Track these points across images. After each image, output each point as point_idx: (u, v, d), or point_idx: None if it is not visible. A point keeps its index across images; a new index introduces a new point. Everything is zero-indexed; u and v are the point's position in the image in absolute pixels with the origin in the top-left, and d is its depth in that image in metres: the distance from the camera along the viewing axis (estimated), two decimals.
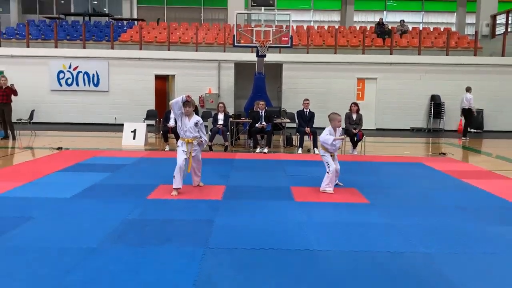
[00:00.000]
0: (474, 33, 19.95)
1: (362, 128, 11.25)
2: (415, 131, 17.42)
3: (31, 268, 3.65)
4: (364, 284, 3.55)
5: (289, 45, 14.29)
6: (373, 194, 6.54)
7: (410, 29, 21.00)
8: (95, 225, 4.83)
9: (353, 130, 10.93)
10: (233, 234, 4.67)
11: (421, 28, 22.02)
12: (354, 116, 11.17)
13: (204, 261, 3.91)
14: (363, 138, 11.08)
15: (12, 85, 11.36)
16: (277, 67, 17.67)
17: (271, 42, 13.70)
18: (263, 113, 11.42)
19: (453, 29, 23.98)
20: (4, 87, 12.14)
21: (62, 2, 27.32)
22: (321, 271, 3.77)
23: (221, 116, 11.51)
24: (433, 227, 5.05)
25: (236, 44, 14.20)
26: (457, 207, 5.98)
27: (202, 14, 26.63)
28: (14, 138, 12.33)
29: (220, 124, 11.35)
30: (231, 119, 12.00)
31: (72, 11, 25.83)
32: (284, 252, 4.19)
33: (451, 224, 5.20)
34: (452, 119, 17.67)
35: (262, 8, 14.57)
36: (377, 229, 4.93)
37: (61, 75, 17.64)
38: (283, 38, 14.60)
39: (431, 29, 21.54)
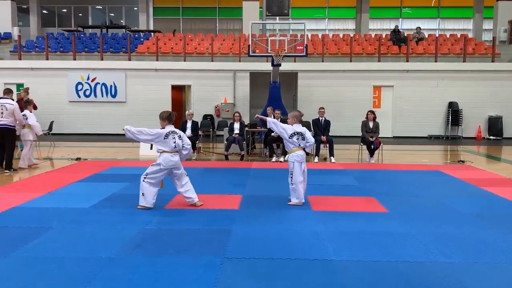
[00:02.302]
0: (491, 39, 19.74)
1: (379, 136, 11.17)
2: (432, 139, 17.22)
3: (52, 279, 3.69)
4: None
5: (304, 53, 14.30)
6: (392, 203, 6.47)
7: (426, 36, 20.86)
8: (114, 235, 4.87)
9: (370, 138, 10.86)
10: (250, 243, 4.67)
11: (437, 35, 21.88)
12: (371, 124, 11.10)
13: (222, 270, 3.91)
14: (380, 146, 10.99)
15: (31, 100, 11.68)
16: (292, 76, 17.67)
17: (286, 51, 13.72)
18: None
19: (470, 35, 23.77)
20: (24, 99, 12.33)
21: (80, 15, 27.86)
22: (340, 282, 3.73)
23: (237, 125, 11.55)
24: (453, 236, 4.97)
25: (251, 53, 14.26)
26: (477, 215, 5.88)
27: (217, 25, 26.86)
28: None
29: (236, 133, 11.38)
30: (246, 128, 12.02)
31: (90, 23, 26.29)
32: (302, 262, 4.16)
33: (470, 232, 5.11)
34: (471, 126, 17.45)
35: (277, 17, 14.64)
36: (396, 239, 4.87)
37: (80, 86, 17.92)
38: (298, 47, 14.63)
39: (448, 36, 21.37)
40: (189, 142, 6.28)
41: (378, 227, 5.30)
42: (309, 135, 6.48)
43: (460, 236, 4.95)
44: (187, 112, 12.05)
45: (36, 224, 5.26)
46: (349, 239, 4.85)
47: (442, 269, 4.01)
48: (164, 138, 6.09)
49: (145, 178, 6.07)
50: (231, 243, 4.64)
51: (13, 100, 9.64)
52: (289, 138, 6.38)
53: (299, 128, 6.44)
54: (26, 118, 9.79)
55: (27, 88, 12.62)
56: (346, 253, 4.40)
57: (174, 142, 6.05)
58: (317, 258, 4.25)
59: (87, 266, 3.95)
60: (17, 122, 9.50)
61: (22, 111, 11.30)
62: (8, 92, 9.73)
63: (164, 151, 6.08)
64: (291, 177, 6.36)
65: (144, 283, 3.63)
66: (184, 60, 18.39)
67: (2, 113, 9.21)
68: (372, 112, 11.29)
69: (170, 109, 17.54)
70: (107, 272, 3.83)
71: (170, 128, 6.17)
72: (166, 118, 6.25)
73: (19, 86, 17.95)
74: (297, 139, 6.37)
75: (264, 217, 5.69)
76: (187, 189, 6.19)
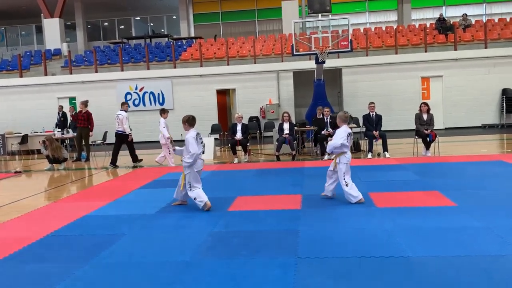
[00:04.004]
0: None
1: (433, 128, 10.86)
2: (487, 128, 16.59)
3: (136, 283, 3.80)
4: None
5: (349, 49, 14.11)
6: (458, 196, 6.27)
7: (473, 22, 20.12)
8: (184, 238, 4.97)
9: (425, 131, 10.58)
10: (320, 242, 4.64)
11: (484, 21, 21.07)
12: (425, 116, 10.81)
13: (298, 271, 3.90)
14: (436, 138, 10.68)
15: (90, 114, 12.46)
16: (336, 72, 17.51)
17: (330, 47, 13.59)
18: (328, 119, 11.33)
19: None
20: (83, 112, 12.85)
21: (122, 27, 28.68)
22: (421, 278, 3.64)
23: (286, 126, 11.53)
24: None
25: (295, 53, 14.22)
26: None
27: (257, 27, 26.97)
28: (88, 159, 12.98)
29: (286, 134, 11.37)
30: (296, 128, 11.99)
31: (133, 34, 27.02)
32: (378, 259, 4.09)
33: None
34: None
35: (319, 15, 14.51)
36: (471, 232, 4.71)
37: (128, 96, 18.44)
38: (342, 43, 14.44)
39: (496, 21, 20.53)
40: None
41: (450, 222, 5.14)
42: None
43: None
44: (236, 115, 12.16)
45: (108, 231, 5.44)
46: (421, 234, 4.73)
47: None
48: (196, 142, 6.15)
49: (190, 188, 6.19)
50: (301, 243, 4.63)
51: (125, 111, 11.63)
52: (347, 143, 6.26)
53: (348, 129, 6.36)
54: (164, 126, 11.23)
55: (86, 101, 13.13)
56: (422, 249, 4.30)
57: (202, 143, 6.24)
58: (393, 255, 4.17)
59: (166, 270, 4.05)
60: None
61: (81, 123, 11.89)
62: (122, 104, 11.96)
63: (198, 154, 6.16)
64: (345, 179, 6.23)
65: (224, 285, 3.67)
66: (227, 64, 18.57)
67: (117, 122, 11.48)
68: (426, 104, 10.99)
69: (216, 113, 17.82)
70: (186, 276, 3.91)
71: (195, 131, 6.24)
72: (185, 121, 6.32)
73: (72, 99, 18.72)
74: (348, 141, 6.28)
75: (328, 216, 5.65)
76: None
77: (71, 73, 19.28)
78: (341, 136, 6.29)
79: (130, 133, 11.71)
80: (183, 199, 6.55)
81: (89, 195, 7.92)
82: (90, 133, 12.83)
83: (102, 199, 7.34)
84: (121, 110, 11.72)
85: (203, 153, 6.34)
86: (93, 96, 18.13)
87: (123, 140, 11.61)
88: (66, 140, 15.83)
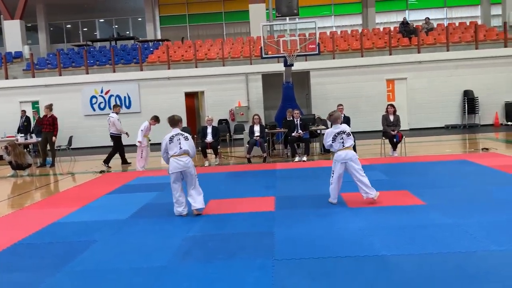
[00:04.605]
0: (500, 25, 19.58)
1: (400, 129, 11.11)
2: (450, 129, 17.10)
3: None
4: (447, 286, 3.47)
5: (317, 52, 14.26)
6: (427, 195, 6.43)
7: (435, 26, 20.74)
8: (159, 243, 4.90)
9: (392, 131, 10.81)
10: (296, 244, 4.66)
11: (446, 24, 21.74)
12: (392, 118, 11.05)
13: (275, 272, 3.91)
14: (403, 139, 10.93)
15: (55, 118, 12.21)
16: (304, 75, 17.64)
17: (298, 50, 13.71)
18: (298, 121, 11.42)
19: (479, 22, 23.57)
20: (48, 116, 12.49)
21: (86, 29, 28.08)
22: (397, 276, 3.72)
23: (257, 128, 11.55)
24: (499, 224, 4.94)
25: (264, 55, 14.26)
26: None
27: (224, 30, 26.94)
28: (53, 165, 12.62)
29: (257, 136, 11.39)
30: (267, 130, 12.02)
31: (98, 37, 26.49)
32: (354, 259, 4.15)
33: None
34: (487, 113, 17.30)
35: (287, 18, 14.63)
36: (442, 230, 4.84)
37: (94, 100, 18.06)
38: (309, 46, 14.58)
39: (457, 24, 21.22)
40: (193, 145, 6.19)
41: (421, 220, 5.27)
42: (349, 129, 6.36)
43: (506, 224, 4.91)
44: (206, 117, 12.10)
45: (79, 238, 5.30)
46: (394, 233, 4.84)
47: (497, 257, 3.99)
48: (170, 143, 6.05)
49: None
50: (277, 245, 4.64)
51: (116, 114, 12.09)
52: (332, 142, 6.25)
53: (336, 129, 6.30)
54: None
55: (51, 105, 12.78)
56: (395, 247, 4.39)
57: (179, 144, 5.99)
58: (368, 255, 4.24)
59: (142, 276, 3.97)
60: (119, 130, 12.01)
61: (46, 127, 11.59)
62: (114, 106, 12.57)
63: (172, 155, 6.03)
64: (332, 177, 6.28)
65: None
66: (196, 67, 18.45)
67: (109, 124, 12.03)
68: (392, 105, 11.24)
69: (185, 117, 17.62)
70: (163, 281, 3.85)
71: (174, 131, 6.12)
72: (168, 121, 6.23)
73: (34, 103, 18.17)
74: (341, 138, 6.19)
75: (302, 217, 5.69)
76: (191, 194, 6.06)
77: (33, 77, 18.71)
78: (328, 136, 6.31)
79: (127, 132, 12.24)
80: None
81: (57, 202, 7.70)
82: (54, 138, 12.49)
83: (71, 205, 7.14)
84: (112, 112, 12.28)
85: (187, 153, 6.00)
86: (57, 100, 17.57)
87: (118, 141, 12.11)
88: (29, 146, 15.34)
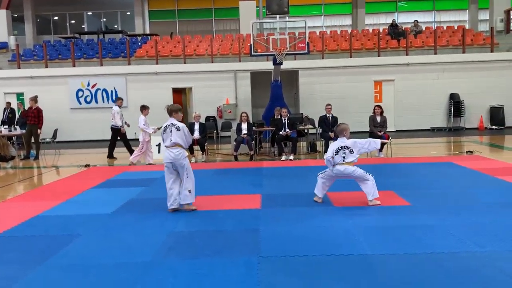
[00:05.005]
0: (487, 29, 19.83)
1: (387, 130, 11.20)
2: (435, 131, 17.28)
3: (94, 285, 3.68)
4: (430, 286, 3.50)
5: (306, 51, 14.30)
6: (412, 196, 6.49)
7: (424, 29, 20.92)
8: (144, 239, 4.86)
9: (378, 132, 10.88)
10: (281, 242, 4.67)
11: (434, 28, 21.95)
12: (379, 119, 11.13)
13: (261, 270, 3.91)
14: (389, 140, 11.01)
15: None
16: (293, 74, 17.69)
17: (288, 49, 13.71)
18: (286, 120, 11.43)
19: (466, 26, 23.85)
20: (33, 108, 12.33)
21: (74, 22, 27.75)
22: (381, 275, 3.74)
23: (244, 126, 11.53)
24: (482, 225, 5.00)
25: (253, 53, 14.24)
26: (500, 204, 5.92)
27: (213, 26, 26.85)
28: (37, 158, 12.45)
29: (245, 134, 11.37)
30: (254, 128, 12.01)
31: (85, 29, 26.20)
32: (338, 258, 4.16)
33: (499, 222, 5.13)
34: (473, 117, 17.54)
35: (277, 16, 14.63)
36: (426, 231, 4.88)
37: (80, 93, 17.87)
38: (299, 45, 14.61)
39: (445, 28, 21.45)
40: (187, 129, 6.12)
41: (405, 220, 5.31)
42: (359, 144, 6.19)
43: (489, 226, 4.97)
44: (194, 114, 12.05)
45: (62, 231, 5.23)
46: (379, 233, 4.87)
47: (479, 258, 4.03)
48: (163, 133, 6.03)
49: None
50: (263, 242, 4.63)
51: (118, 106, 12.20)
52: (335, 154, 6.07)
53: (339, 142, 6.16)
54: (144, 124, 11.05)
55: (36, 97, 12.62)
56: (380, 247, 4.41)
57: (171, 135, 5.91)
58: (352, 253, 4.26)
59: (126, 271, 3.94)
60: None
61: (31, 120, 11.44)
62: (117, 99, 12.79)
63: (165, 146, 6.01)
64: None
65: (188, 285, 3.62)
66: (184, 63, 18.36)
67: (111, 116, 12.12)
68: (379, 106, 11.33)
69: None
70: (148, 277, 3.82)
71: (169, 121, 6.05)
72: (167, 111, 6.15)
73: (19, 95, 17.91)
74: (343, 153, 6.03)
75: (288, 215, 5.69)
76: (185, 188, 5.92)
77: (19, 68, 18.45)
78: (329, 151, 6.15)
79: (122, 127, 12.12)
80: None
81: (40, 195, 7.60)
82: (39, 130, 12.33)
83: (54, 198, 7.05)
84: (115, 105, 12.34)
85: (178, 145, 5.92)
86: (43, 92, 17.36)
87: (116, 133, 12.13)
88: (13, 138, 15.13)
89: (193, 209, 6.01)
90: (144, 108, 11.18)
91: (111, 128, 12.21)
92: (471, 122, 17.55)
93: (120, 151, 12.43)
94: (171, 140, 5.92)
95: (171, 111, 6.10)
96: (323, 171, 6.35)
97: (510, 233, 4.69)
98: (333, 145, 6.23)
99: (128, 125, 12.45)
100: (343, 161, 6.06)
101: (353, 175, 6.09)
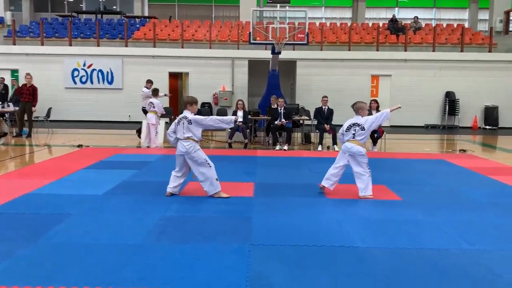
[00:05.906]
0: (486, 29, 19.83)
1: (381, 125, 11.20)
2: (429, 128, 17.34)
3: (84, 265, 3.66)
4: (418, 282, 3.53)
5: (305, 42, 14.24)
6: (404, 191, 6.52)
7: (423, 25, 20.88)
8: (135, 221, 4.85)
9: None
10: (273, 230, 4.67)
11: (434, 25, 21.92)
12: (374, 113, 11.09)
13: (251, 257, 3.91)
14: (383, 135, 11.04)
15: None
16: (290, 64, 17.63)
17: (287, 39, 13.64)
18: (282, 110, 11.40)
19: (466, 25, 23.85)
20: (28, 85, 12.20)
21: (71, 0, 27.37)
22: (371, 268, 3.76)
23: (240, 114, 11.49)
24: (472, 223, 5.03)
25: (252, 41, 14.15)
26: (490, 203, 5.96)
27: (213, 12, 26.62)
28: (30, 135, 12.34)
29: (240, 121, 11.31)
30: (249, 116, 11.98)
31: (84, 9, 25.88)
32: (329, 249, 4.18)
33: (488, 220, 5.18)
34: (467, 116, 17.60)
35: (278, 5, 14.53)
36: (416, 226, 4.91)
37: (76, 73, 17.69)
38: (298, 35, 14.54)
39: (444, 26, 21.42)
40: (210, 117, 6.09)
41: (396, 215, 5.34)
42: (371, 120, 6.25)
43: (480, 224, 5.01)
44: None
45: (53, 210, 5.21)
46: (370, 226, 4.89)
47: (468, 256, 4.06)
48: (177, 125, 6.02)
49: None
50: (254, 230, 4.64)
51: (147, 88, 11.96)
52: (346, 131, 6.25)
53: (352, 119, 6.30)
54: (154, 106, 10.92)
55: (28, 73, 12.48)
56: (370, 239, 4.43)
57: (183, 128, 5.90)
58: (343, 245, 4.27)
59: (117, 252, 3.93)
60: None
61: (25, 97, 11.31)
62: (147, 81, 12.40)
63: (178, 138, 6.01)
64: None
65: (178, 269, 3.62)
66: (182, 47, 18.20)
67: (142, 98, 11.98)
68: (376, 101, 11.32)
69: (168, 97, 17.39)
70: (138, 259, 3.81)
71: (183, 113, 6.04)
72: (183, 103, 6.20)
73: (14, 72, 17.70)
74: (354, 130, 6.15)
75: (280, 205, 5.70)
76: (201, 180, 5.99)
77: (14, 44, 18.19)
78: (344, 126, 6.32)
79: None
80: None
81: (31, 173, 7.55)
82: (33, 108, 12.21)
83: (45, 177, 7.01)
84: (145, 87, 12.24)
85: (190, 138, 5.90)
86: (38, 70, 17.18)
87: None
88: (5, 114, 14.97)
89: (227, 197, 6.00)
90: (155, 93, 11.27)
91: (143, 109, 12.09)
92: (465, 121, 17.62)
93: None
94: (183, 133, 5.92)
95: (186, 103, 6.12)
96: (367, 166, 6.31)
97: (499, 232, 4.73)
98: (348, 122, 6.34)
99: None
100: (353, 138, 6.16)
101: (356, 158, 6.16)
